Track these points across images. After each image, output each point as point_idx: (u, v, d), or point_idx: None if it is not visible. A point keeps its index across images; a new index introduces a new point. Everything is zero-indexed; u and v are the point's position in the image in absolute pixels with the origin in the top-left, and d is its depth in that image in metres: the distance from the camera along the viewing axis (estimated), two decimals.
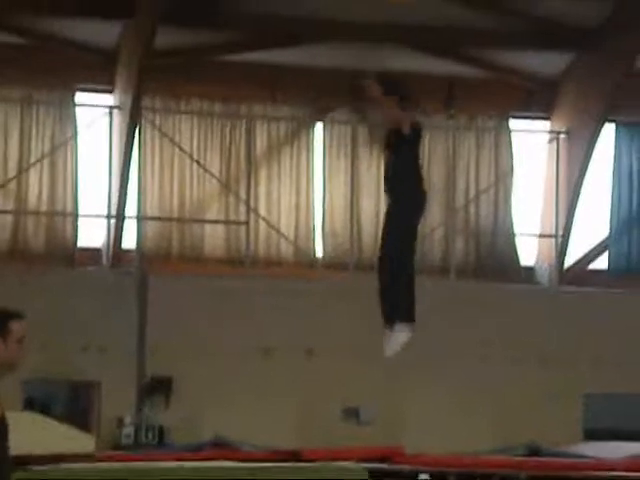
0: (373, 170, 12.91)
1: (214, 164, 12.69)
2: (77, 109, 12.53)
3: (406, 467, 6.13)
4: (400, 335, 5.54)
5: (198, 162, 12.60)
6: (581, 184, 12.80)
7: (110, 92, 12.47)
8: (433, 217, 12.90)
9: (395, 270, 5.63)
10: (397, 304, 5.65)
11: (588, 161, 12.69)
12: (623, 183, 13.32)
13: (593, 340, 12.44)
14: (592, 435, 11.51)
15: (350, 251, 12.63)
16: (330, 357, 12.23)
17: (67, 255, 12.34)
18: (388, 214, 5.81)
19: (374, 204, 12.80)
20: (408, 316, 5.65)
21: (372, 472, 6.08)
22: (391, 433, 11.22)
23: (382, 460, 6.17)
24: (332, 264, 12.69)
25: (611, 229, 13.27)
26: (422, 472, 6.04)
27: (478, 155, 12.97)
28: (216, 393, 11.67)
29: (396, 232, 5.69)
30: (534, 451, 7.54)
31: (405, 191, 5.70)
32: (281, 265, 12.60)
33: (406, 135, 5.67)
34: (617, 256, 13.27)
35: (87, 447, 7.91)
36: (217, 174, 12.66)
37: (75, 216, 12.42)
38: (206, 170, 12.61)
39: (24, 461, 4.92)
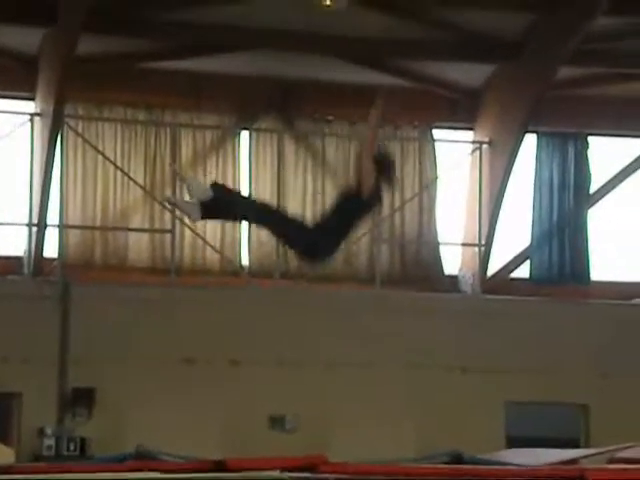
0: (299, 178, 12.96)
1: (138, 172, 12.60)
2: None
3: (330, 476, 6.14)
4: None
5: (122, 170, 12.51)
6: (503, 193, 12.93)
7: (32, 99, 12.29)
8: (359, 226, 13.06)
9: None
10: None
11: (510, 171, 12.82)
12: (544, 193, 13.46)
13: (515, 348, 12.56)
14: (514, 443, 11.56)
15: (276, 259, 12.60)
16: (255, 366, 12.22)
17: None
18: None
19: (299, 211, 12.72)
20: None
21: None
22: (317, 442, 11.22)
23: (306, 469, 6.17)
24: (258, 272, 12.68)
25: (532, 238, 13.43)
26: None
27: (402, 164, 13.05)
28: (139, 404, 11.62)
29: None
30: (457, 458, 7.64)
31: (325, 243, 5.98)
32: (207, 274, 12.56)
33: (362, 199, 5.89)
34: (538, 265, 13.42)
35: (7, 459, 7.73)
36: (142, 182, 12.57)
37: None
38: (130, 178, 12.51)
39: None
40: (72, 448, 11.37)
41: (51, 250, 12.27)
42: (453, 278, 13.27)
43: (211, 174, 12.69)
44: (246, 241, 12.80)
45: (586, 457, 8.33)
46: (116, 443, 10.97)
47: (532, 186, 13.45)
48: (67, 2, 11.16)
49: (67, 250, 12.30)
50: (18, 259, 12.29)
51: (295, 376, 12.01)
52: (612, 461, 8.18)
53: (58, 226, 12.25)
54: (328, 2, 11.10)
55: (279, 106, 12.82)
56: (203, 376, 12.01)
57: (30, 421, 11.46)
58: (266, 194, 12.84)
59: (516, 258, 13.35)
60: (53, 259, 12.20)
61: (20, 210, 12.23)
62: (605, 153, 13.68)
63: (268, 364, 12.16)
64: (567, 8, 11.79)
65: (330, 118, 12.89)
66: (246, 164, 12.87)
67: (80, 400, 11.65)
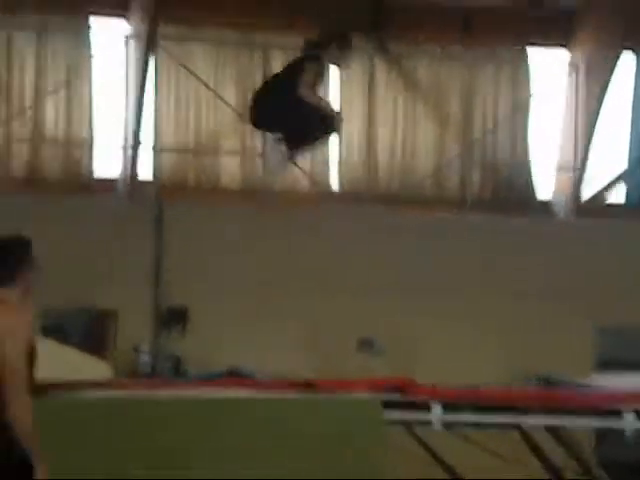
0: (389, 99, 12.81)
1: (230, 94, 12.60)
2: (92, 36, 12.38)
3: (419, 398, 6.19)
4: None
5: (214, 91, 12.51)
6: (598, 115, 12.66)
7: (125, 17, 12.28)
8: (450, 148, 12.85)
9: None
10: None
11: (605, 91, 12.52)
12: None
13: (606, 273, 12.44)
14: (605, 367, 11.51)
15: (366, 182, 12.58)
16: (345, 291, 12.28)
17: (84, 184, 12.29)
18: None
19: (389, 133, 12.76)
20: None
21: (386, 403, 6.12)
22: (405, 365, 11.23)
23: (395, 391, 6.24)
24: (348, 195, 12.66)
25: (629, 163, 13.15)
26: (435, 403, 6.11)
27: (495, 86, 12.89)
28: (232, 324, 11.75)
29: None
30: (547, 382, 7.59)
31: None
32: (298, 197, 12.56)
33: None
34: (634, 190, 13.18)
35: (104, 374, 7.93)
36: (233, 104, 12.57)
37: (91, 145, 12.32)
38: (222, 100, 12.51)
39: (41, 389, 5.01)
40: (167, 365, 11.55)
41: (146, 172, 12.40)
42: (547, 203, 13.13)
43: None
44: (336, 164, 12.77)
45: None
46: (209, 361, 11.13)
47: (630, 107, 13.15)
48: None
49: (161, 172, 12.42)
50: (114, 181, 12.44)
51: (384, 300, 12.03)
52: None
53: (153, 148, 12.36)
54: None
55: (370, 26, 12.69)
56: (294, 299, 12.11)
57: (126, 339, 11.64)
58: (357, 116, 12.74)
59: (612, 183, 13.17)
60: (148, 181, 12.32)
61: (116, 132, 12.35)
62: None
63: (358, 289, 12.21)
64: None
65: (422, 39, 12.76)
66: (337, 85, 12.77)
67: (174, 318, 11.78)
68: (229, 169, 12.64)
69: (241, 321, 11.73)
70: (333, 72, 12.29)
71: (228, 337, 11.62)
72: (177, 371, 11.53)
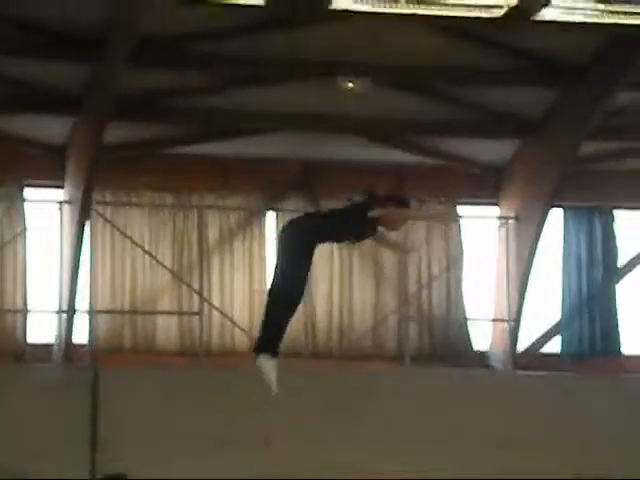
0: (325, 257, 12.97)
1: (166, 255, 12.69)
2: (26, 204, 12.45)
3: None
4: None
5: (150, 254, 12.59)
6: (531, 268, 12.90)
7: (60, 187, 12.43)
8: (387, 304, 13.00)
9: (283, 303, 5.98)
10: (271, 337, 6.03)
11: (537, 245, 12.81)
12: (572, 267, 13.45)
13: (546, 424, 12.34)
14: None
15: (305, 339, 12.66)
16: (290, 447, 12.04)
17: (17, 351, 12.19)
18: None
19: (326, 289, 12.84)
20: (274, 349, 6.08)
21: None
22: None
23: None
24: (286, 352, 12.54)
25: (563, 313, 13.39)
26: None
27: (429, 241, 13.12)
28: None
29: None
30: None
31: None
32: (236, 355, 12.54)
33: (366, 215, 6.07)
34: (569, 340, 13.37)
35: None
36: (169, 265, 12.66)
37: (25, 312, 12.25)
38: (158, 261, 12.59)
39: None
40: None
41: (81, 336, 12.35)
42: (483, 354, 13.25)
43: (238, 255, 12.75)
44: None
45: None
46: None
47: (560, 260, 13.45)
48: (94, 92, 11.31)
49: (97, 335, 12.37)
50: (48, 346, 12.35)
51: (330, 456, 11.78)
52: None
53: (88, 312, 12.30)
54: (351, 85, 11.16)
55: (304, 186, 12.95)
56: (237, 458, 11.80)
57: None
58: None
59: (547, 333, 13.34)
60: (83, 345, 12.25)
61: (50, 297, 12.34)
62: (632, 227, 13.68)
63: (301, 444, 11.97)
64: (587, 85, 11.87)
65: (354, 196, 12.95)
66: (273, 245, 12.93)
67: None
68: (166, 330, 12.66)
69: None
70: (270, 231, 12.82)
71: None
72: None
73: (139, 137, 12.27)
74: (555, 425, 12.32)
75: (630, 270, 13.50)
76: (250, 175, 12.77)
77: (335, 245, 13.01)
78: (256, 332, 12.29)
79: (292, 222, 6.22)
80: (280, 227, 11.66)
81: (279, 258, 6.16)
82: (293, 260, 6.06)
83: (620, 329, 13.35)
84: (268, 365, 6.17)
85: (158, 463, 11.25)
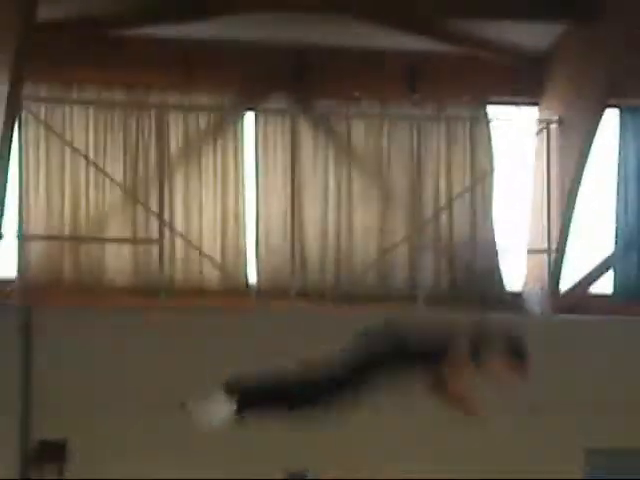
0: (318, 172, 12.22)
1: (116, 168, 12.03)
2: None
3: None
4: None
5: (96, 165, 11.96)
6: (578, 186, 12.05)
7: None
8: (395, 231, 12.34)
9: None
10: None
11: (586, 156, 11.98)
12: (630, 184, 12.59)
13: (594, 383, 11.64)
14: None
15: (291, 274, 12.02)
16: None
17: None
18: None
19: (319, 213, 12.16)
20: None
21: None
22: None
23: None
24: (269, 291, 12.00)
25: (617, 243, 12.63)
26: None
27: (449, 152, 12.38)
28: (121, 459, 10.89)
29: None
30: None
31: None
32: (204, 294, 11.93)
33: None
34: (624, 278, 12.51)
35: None
36: (120, 180, 11.99)
37: None
38: (106, 175, 11.96)
39: None
40: None
41: (9, 268, 11.71)
42: (516, 294, 12.60)
43: (207, 168, 12.12)
44: (253, 252, 12.18)
45: None
46: None
47: (615, 175, 12.71)
48: None
49: (29, 267, 11.72)
50: None
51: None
52: None
53: (17, 237, 11.67)
54: None
55: (293, 81, 12.06)
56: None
57: None
58: (277, 192, 12.22)
59: (596, 269, 12.47)
60: (11, 279, 11.61)
61: None
62: None
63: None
64: None
65: (357, 95, 12.19)
66: (252, 155, 12.21)
67: (49, 455, 10.93)
68: (116, 261, 11.96)
69: (134, 455, 10.80)
70: (248, 137, 12.25)
71: (117, 475, 10.61)
72: None
73: (82, 14, 11.30)
74: (607, 383, 11.75)
75: None
76: (222, 66, 11.98)
77: (330, 158, 12.41)
78: (229, 266, 11.98)
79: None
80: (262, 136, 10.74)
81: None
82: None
83: None
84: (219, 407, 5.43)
85: (105, 427, 10.92)
